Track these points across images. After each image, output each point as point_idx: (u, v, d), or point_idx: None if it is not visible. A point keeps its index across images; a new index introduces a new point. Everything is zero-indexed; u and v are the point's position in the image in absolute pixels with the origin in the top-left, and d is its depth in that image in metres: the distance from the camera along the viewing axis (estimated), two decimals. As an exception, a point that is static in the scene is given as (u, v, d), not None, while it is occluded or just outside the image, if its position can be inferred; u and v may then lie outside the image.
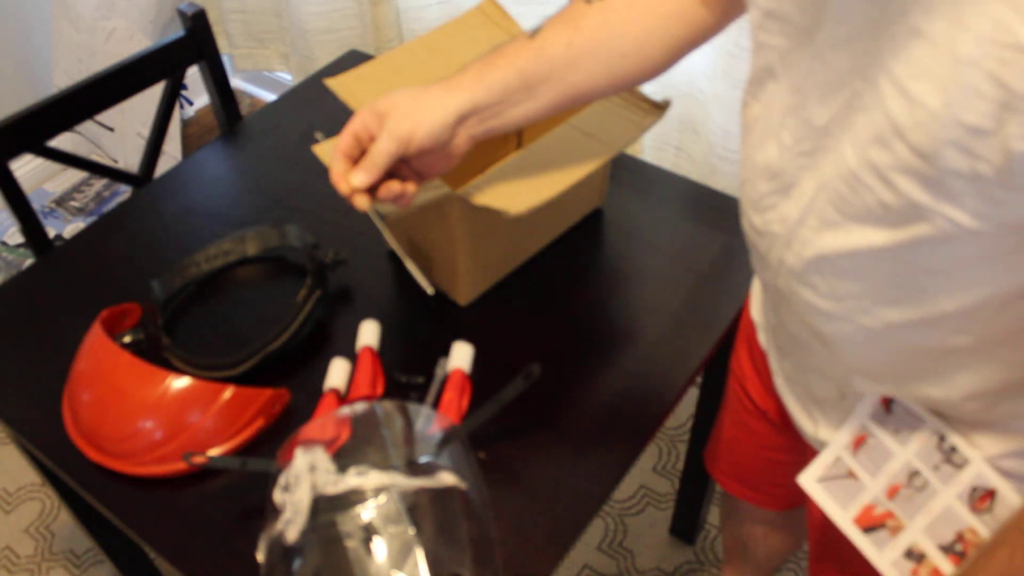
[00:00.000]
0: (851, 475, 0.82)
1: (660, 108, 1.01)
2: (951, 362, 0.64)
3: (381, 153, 0.78)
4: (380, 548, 0.75)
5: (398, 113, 0.79)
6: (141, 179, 1.40)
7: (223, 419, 0.92)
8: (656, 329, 1.03)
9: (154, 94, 1.40)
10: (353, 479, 0.78)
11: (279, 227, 1.11)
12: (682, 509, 1.57)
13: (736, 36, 1.32)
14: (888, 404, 0.79)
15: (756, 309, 0.91)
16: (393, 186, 0.80)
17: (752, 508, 1.16)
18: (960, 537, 0.76)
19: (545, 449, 0.93)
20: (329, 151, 0.97)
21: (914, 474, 0.79)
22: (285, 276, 1.13)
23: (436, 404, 0.96)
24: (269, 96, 2.48)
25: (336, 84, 1.05)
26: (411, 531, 0.75)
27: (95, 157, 2.33)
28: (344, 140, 0.80)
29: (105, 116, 2.21)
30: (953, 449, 0.78)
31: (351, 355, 1.01)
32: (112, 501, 0.92)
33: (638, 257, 1.12)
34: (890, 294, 0.61)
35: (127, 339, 1.02)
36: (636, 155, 1.48)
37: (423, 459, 0.81)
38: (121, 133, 2.21)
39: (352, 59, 1.45)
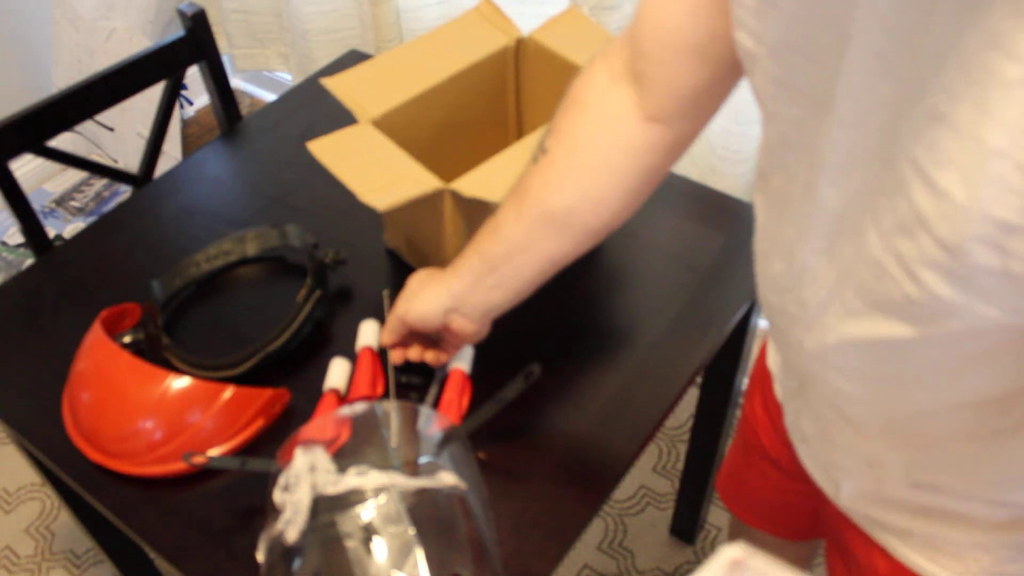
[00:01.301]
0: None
1: None
2: (992, 445, 0.60)
3: (390, 322, 0.90)
4: (380, 548, 0.75)
5: (405, 292, 0.89)
6: (141, 179, 1.40)
7: (223, 419, 0.92)
8: (656, 329, 1.03)
9: (154, 94, 1.40)
10: (353, 479, 0.78)
11: (279, 227, 1.11)
12: (682, 509, 1.57)
13: (736, 36, 1.32)
14: (735, 566, 0.62)
15: (772, 359, 0.88)
16: (410, 353, 0.94)
17: (761, 534, 1.14)
18: None
19: (545, 449, 0.93)
20: (326, 149, 0.97)
21: None
22: (285, 276, 1.13)
23: (436, 404, 0.96)
24: (269, 96, 2.48)
25: (333, 84, 1.05)
26: (411, 531, 0.75)
27: (95, 157, 2.33)
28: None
29: (105, 116, 2.21)
30: None
31: (351, 355, 1.01)
32: (112, 501, 0.92)
33: (638, 257, 1.12)
34: (925, 379, 0.57)
35: (127, 339, 1.02)
36: (636, 155, 1.48)
37: (423, 459, 0.81)
38: (121, 133, 2.21)
39: (352, 59, 1.45)
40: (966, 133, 0.44)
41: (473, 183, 0.93)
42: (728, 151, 1.46)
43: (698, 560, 1.59)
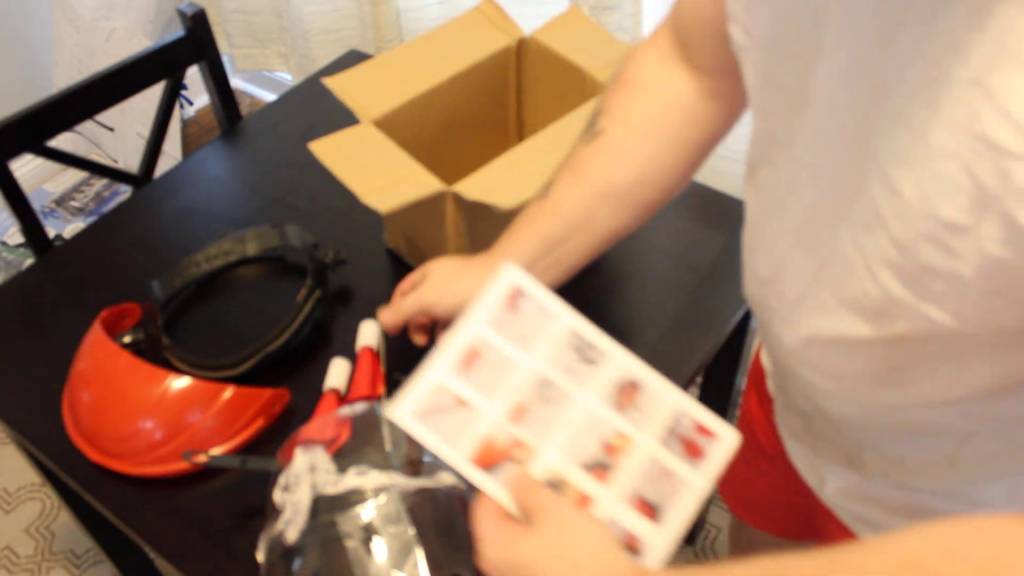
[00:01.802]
0: (461, 404, 0.66)
1: None
2: (956, 439, 0.61)
3: (404, 307, 0.85)
4: (380, 548, 0.75)
5: (432, 280, 0.84)
6: (141, 179, 1.40)
7: (223, 419, 0.92)
8: (656, 329, 1.03)
9: (154, 94, 1.40)
10: (353, 479, 0.78)
11: (279, 227, 1.11)
12: (682, 509, 1.57)
13: (736, 36, 1.32)
14: (515, 299, 0.68)
15: (764, 354, 0.89)
16: (416, 337, 0.89)
17: (761, 534, 1.14)
18: (607, 447, 0.65)
19: (545, 449, 0.93)
20: (327, 150, 0.97)
21: (545, 384, 0.67)
22: (285, 276, 1.13)
23: (436, 404, 0.96)
24: (269, 96, 2.48)
25: (335, 83, 1.05)
26: (411, 531, 0.75)
27: (95, 157, 2.33)
28: (404, 282, 0.89)
29: (105, 116, 2.21)
30: (590, 345, 0.69)
31: (351, 355, 1.01)
32: (112, 501, 0.92)
33: (638, 257, 1.12)
34: (888, 378, 0.58)
35: (127, 339, 1.02)
36: (636, 155, 1.48)
37: (423, 459, 0.81)
38: (121, 133, 2.21)
39: (352, 59, 1.45)
40: (918, 132, 0.45)
41: (475, 186, 0.93)
42: (728, 151, 1.46)
43: (698, 560, 1.59)
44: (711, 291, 1.07)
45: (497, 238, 1.06)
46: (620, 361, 0.69)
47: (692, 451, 0.67)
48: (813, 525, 0.90)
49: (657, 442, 0.66)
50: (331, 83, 1.05)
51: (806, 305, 0.60)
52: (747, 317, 1.15)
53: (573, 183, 0.79)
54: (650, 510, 0.64)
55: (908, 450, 0.65)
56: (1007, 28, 0.39)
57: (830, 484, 0.77)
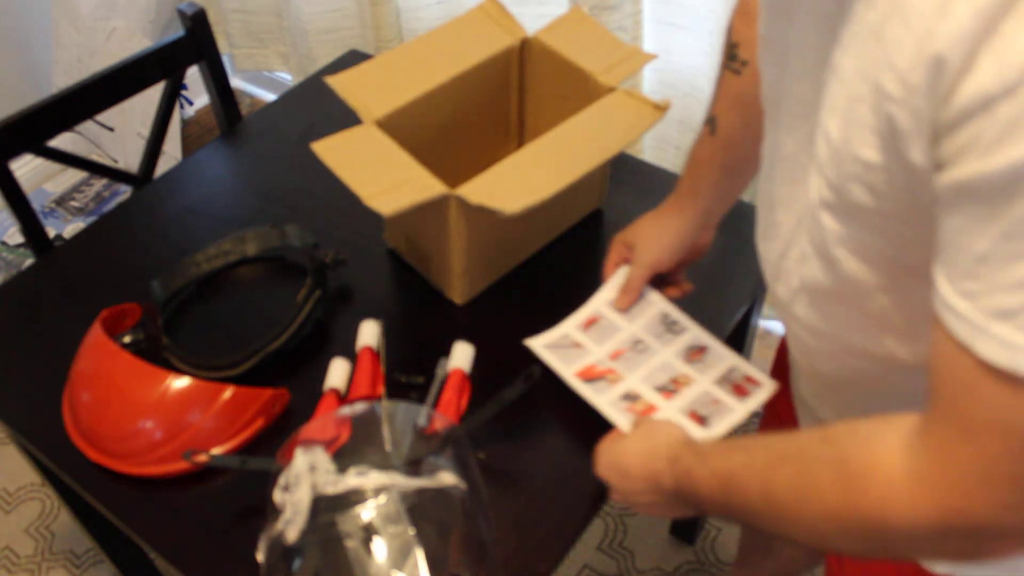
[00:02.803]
0: (577, 346, 0.95)
1: (659, 109, 1.01)
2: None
3: (637, 279, 0.97)
4: (380, 548, 0.75)
5: (644, 244, 0.96)
6: (141, 179, 1.40)
7: (223, 419, 0.92)
8: (656, 329, 1.03)
9: (154, 94, 1.40)
10: (353, 479, 0.78)
11: (279, 227, 1.11)
12: (682, 509, 1.57)
13: (736, 36, 1.32)
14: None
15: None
16: (672, 292, 1.01)
17: None
18: (674, 380, 0.92)
19: (545, 449, 0.93)
20: (330, 150, 0.97)
21: (638, 342, 0.95)
22: (285, 276, 1.13)
23: (436, 404, 0.96)
24: (269, 96, 2.48)
25: (337, 82, 1.05)
26: (411, 531, 0.75)
27: (95, 157, 2.32)
28: (609, 266, 1.01)
29: (105, 116, 2.21)
30: (675, 322, 0.97)
31: (351, 355, 1.01)
32: (112, 501, 0.92)
33: (638, 257, 1.12)
34: (857, 337, 0.62)
35: (127, 339, 1.02)
36: (636, 155, 1.48)
37: (423, 459, 0.81)
38: (121, 133, 2.21)
39: (352, 59, 1.45)
40: (843, 80, 0.50)
41: (479, 190, 0.93)
42: (728, 151, 1.46)
43: (698, 560, 1.60)
44: (711, 291, 1.07)
45: (498, 238, 1.06)
46: (695, 333, 0.96)
47: (739, 391, 0.91)
48: None
49: (712, 383, 0.92)
50: (334, 82, 1.05)
51: (789, 256, 0.64)
52: (747, 317, 1.15)
53: (739, 114, 0.85)
54: (700, 420, 0.89)
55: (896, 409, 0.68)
56: None
57: None
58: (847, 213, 0.53)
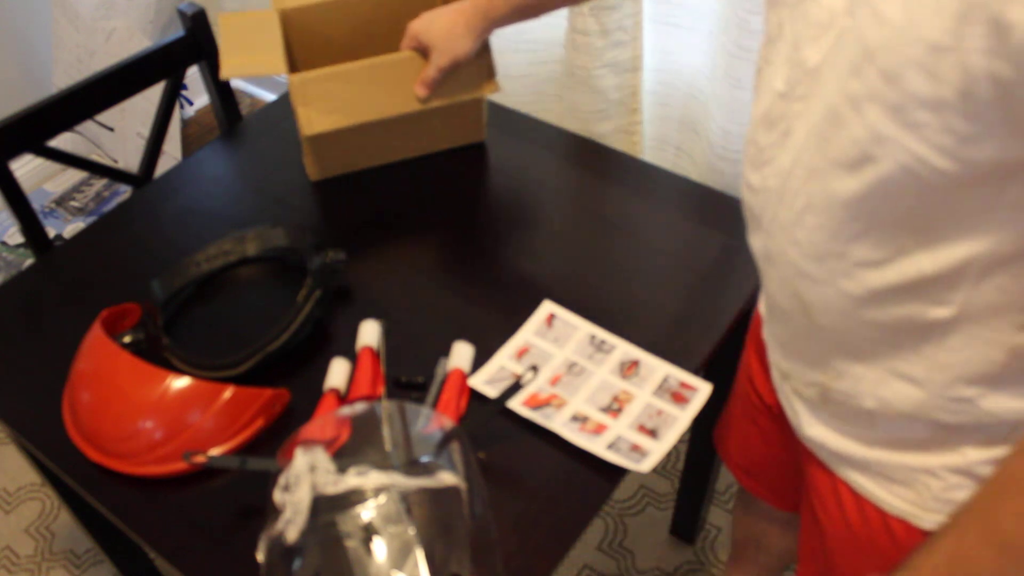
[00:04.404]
0: (515, 376, 0.98)
1: (493, 86, 1.19)
2: (933, 339, 0.62)
3: (436, 72, 1.14)
4: (380, 548, 0.75)
5: (441, 44, 1.11)
6: (141, 179, 1.40)
7: (223, 419, 0.92)
8: (656, 329, 1.03)
9: (154, 94, 1.40)
10: (353, 479, 0.78)
11: (279, 227, 1.11)
12: (682, 509, 1.57)
13: (737, 36, 1.32)
14: (550, 320, 1.03)
15: (762, 302, 0.92)
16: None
17: (769, 507, 1.16)
18: (616, 399, 0.95)
19: (545, 449, 0.93)
20: (230, 22, 1.14)
21: (572, 365, 0.99)
22: (285, 276, 1.13)
23: (435, 404, 0.96)
24: (269, 96, 2.48)
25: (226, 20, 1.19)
26: (411, 531, 0.75)
27: (95, 157, 2.33)
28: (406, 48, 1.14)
29: (105, 116, 2.21)
30: (603, 342, 1.01)
31: (351, 355, 1.01)
32: (112, 501, 0.92)
33: (638, 257, 1.12)
34: (868, 254, 0.60)
35: (127, 339, 1.02)
36: (636, 155, 1.48)
37: (423, 459, 0.81)
38: (121, 133, 2.21)
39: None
40: None
41: (308, 92, 1.07)
42: (728, 151, 1.46)
43: (698, 560, 1.60)
44: (711, 291, 1.07)
45: (347, 126, 1.18)
46: (624, 348, 1.00)
47: (678, 399, 0.95)
48: (802, 486, 0.92)
49: (651, 394, 0.96)
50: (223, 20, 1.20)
51: (796, 173, 0.63)
52: (747, 317, 1.15)
53: None
54: (649, 432, 0.92)
55: (881, 351, 0.66)
56: None
57: (807, 425, 0.80)
58: (899, 104, 0.51)
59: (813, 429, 0.79)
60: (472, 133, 1.28)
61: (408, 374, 1.00)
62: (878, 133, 0.53)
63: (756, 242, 0.75)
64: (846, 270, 0.63)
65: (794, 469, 0.97)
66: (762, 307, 0.92)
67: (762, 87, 0.69)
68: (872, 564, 0.79)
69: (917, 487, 0.72)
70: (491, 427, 0.94)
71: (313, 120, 1.11)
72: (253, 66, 1.10)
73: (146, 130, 2.10)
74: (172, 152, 2.15)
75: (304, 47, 1.24)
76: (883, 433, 0.72)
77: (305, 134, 1.11)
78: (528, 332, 1.02)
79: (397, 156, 1.26)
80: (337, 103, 1.11)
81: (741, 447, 1.09)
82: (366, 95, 1.12)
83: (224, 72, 1.08)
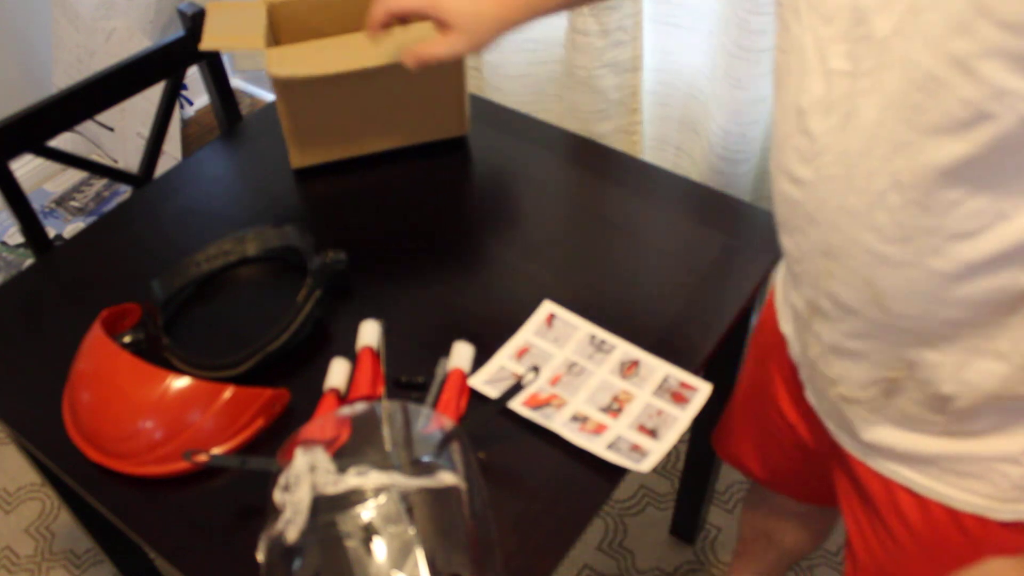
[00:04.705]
0: (516, 376, 0.98)
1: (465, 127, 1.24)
2: (1020, 307, 0.59)
3: (438, 58, 0.95)
4: (380, 548, 0.75)
5: (461, 27, 0.92)
6: (141, 179, 1.40)
7: (223, 419, 0.92)
8: (656, 329, 1.03)
9: (154, 94, 1.40)
10: (353, 479, 0.78)
11: (279, 227, 1.11)
12: (682, 509, 1.57)
13: (736, 36, 1.32)
14: (550, 320, 1.03)
15: (785, 322, 0.89)
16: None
17: (784, 499, 1.14)
18: (616, 399, 0.95)
19: (545, 449, 0.93)
20: (217, 9, 1.16)
21: (572, 365, 0.99)
22: (285, 276, 1.13)
23: (435, 404, 0.96)
24: (269, 96, 2.48)
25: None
26: (411, 531, 0.75)
27: (95, 157, 2.33)
28: (372, 24, 0.99)
29: (105, 116, 2.21)
30: (603, 342, 1.00)
31: (351, 355, 1.01)
32: (112, 501, 0.92)
33: (638, 257, 1.12)
34: (965, 224, 0.57)
35: (127, 339, 1.02)
36: (636, 155, 1.48)
37: (423, 459, 0.81)
38: (121, 133, 2.21)
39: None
40: None
41: (282, 54, 1.08)
42: (728, 151, 1.46)
43: (698, 560, 1.60)
44: (711, 291, 1.07)
45: (326, 111, 1.20)
46: (624, 348, 1.00)
47: (678, 399, 0.95)
48: (831, 483, 0.90)
49: (651, 394, 0.96)
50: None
51: (875, 152, 0.59)
52: (747, 317, 1.15)
53: None
54: (649, 432, 0.92)
55: (966, 333, 0.63)
56: None
57: (862, 428, 0.76)
58: None
59: (871, 433, 0.76)
60: (454, 127, 1.28)
61: (408, 374, 1.00)
62: (999, 88, 0.50)
63: (807, 244, 0.70)
64: (936, 246, 0.59)
65: (820, 468, 0.95)
66: (784, 326, 0.89)
67: (791, 77, 0.65)
68: (944, 566, 0.76)
69: (993, 478, 0.69)
70: (491, 427, 0.94)
71: (284, 63, 1.11)
72: (234, 40, 1.12)
73: (146, 130, 2.10)
74: (172, 152, 2.15)
75: (292, 39, 1.25)
76: (956, 422, 0.68)
77: (272, 72, 1.10)
78: (528, 332, 1.02)
79: (379, 146, 1.26)
80: (308, 62, 1.13)
81: (758, 456, 1.07)
82: (337, 55, 1.14)
83: (205, 43, 1.10)
